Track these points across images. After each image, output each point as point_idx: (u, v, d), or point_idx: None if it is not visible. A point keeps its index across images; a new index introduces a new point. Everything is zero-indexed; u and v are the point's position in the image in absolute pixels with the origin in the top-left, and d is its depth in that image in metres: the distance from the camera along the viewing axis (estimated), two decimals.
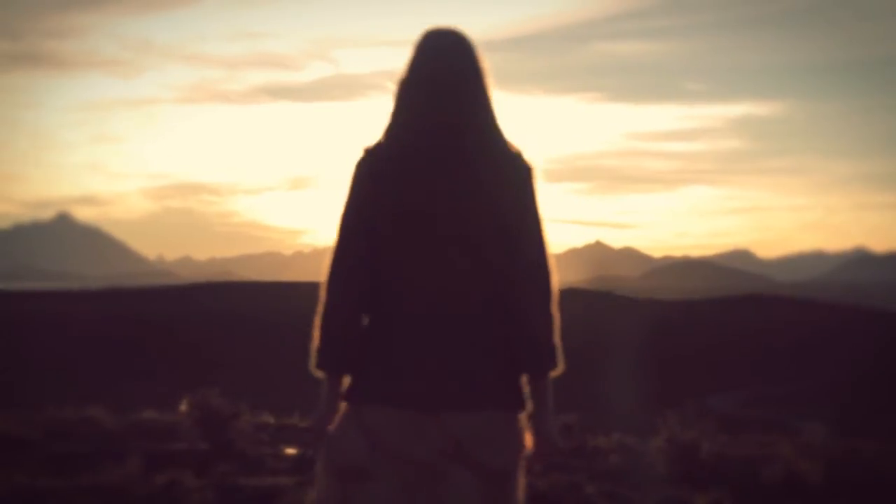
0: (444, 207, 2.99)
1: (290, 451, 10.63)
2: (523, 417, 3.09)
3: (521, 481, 3.09)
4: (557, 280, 3.12)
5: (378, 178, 3.02)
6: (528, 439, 3.10)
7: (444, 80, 3.05)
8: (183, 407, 10.81)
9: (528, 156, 3.08)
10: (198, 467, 9.01)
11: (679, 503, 8.41)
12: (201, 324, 67.70)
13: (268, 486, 8.55)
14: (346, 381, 3.09)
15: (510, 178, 3.03)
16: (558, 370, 3.11)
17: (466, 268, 3.01)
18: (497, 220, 3.00)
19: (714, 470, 9.86)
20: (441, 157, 3.02)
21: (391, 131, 3.08)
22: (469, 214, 2.99)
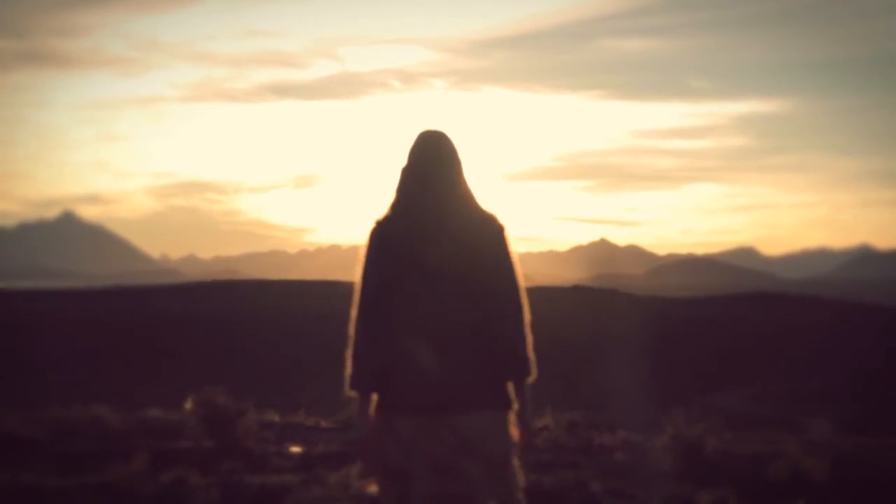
0: (438, 262, 3.99)
1: (296, 449, 10.65)
2: (511, 415, 4.05)
3: (517, 465, 4.05)
4: (529, 310, 4.07)
5: (387, 243, 4.05)
6: (514, 432, 4.05)
7: (432, 166, 4.12)
8: (188, 405, 10.82)
9: (500, 218, 4.11)
10: (203, 465, 9.02)
11: (684, 500, 8.41)
12: (206, 322, 67.77)
13: (273, 484, 8.56)
14: (374, 397, 4.06)
15: (486, 235, 4.06)
16: (532, 377, 4.05)
17: (458, 305, 3.99)
18: (478, 268, 4.01)
19: (719, 467, 9.86)
20: (432, 224, 4.04)
21: (395, 206, 4.12)
22: (457, 265, 3.99)
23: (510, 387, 4.05)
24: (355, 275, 4.09)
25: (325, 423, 13.22)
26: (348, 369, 4.03)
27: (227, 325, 67.58)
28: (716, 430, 10.60)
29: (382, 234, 4.06)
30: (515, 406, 4.04)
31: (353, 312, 4.05)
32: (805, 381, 56.85)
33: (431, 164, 4.13)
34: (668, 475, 9.54)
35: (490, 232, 4.06)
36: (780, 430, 13.78)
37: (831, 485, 9.17)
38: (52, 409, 12.17)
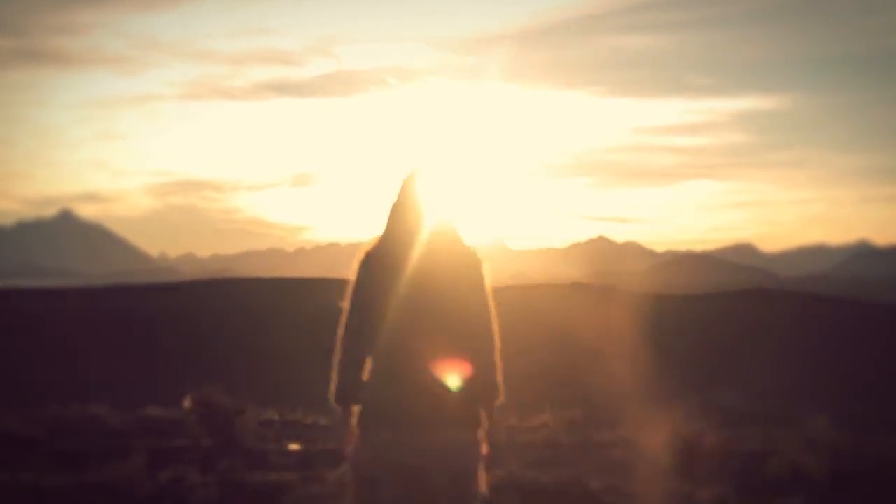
0: (418, 293, 4.34)
1: (294, 447, 10.65)
2: (481, 433, 4.42)
3: (482, 476, 4.43)
4: (499, 338, 4.42)
5: (372, 271, 4.43)
6: (485, 448, 4.44)
7: (418, 203, 4.44)
8: (187, 404, 10.83)
9: (480, 253, 4.47)
10: (202, 464, 9.03)
11: (683, 498, 8.42)
12: (204, 321, 67.70)
13: (272, 481, 8.57)
14: (356, 410, 4.41)
15: (465, 268, 4.43)
16: (500, 401, 4.44)
17: (436, 331, 4.34)
18: (455, 298, 4.36)
19: (718, 464, 9.87)
20: (414, 257, 4.37)
21: (382, 239, 4.47)
22: (436, 297, 4.34)
23: (479, 407, 4.42)
24: (344, 299, 4.46)
25: (323, 420, 13.21)
26: (332, 384, 4.41)
27: (225, 323, 67.51)
28: (714, 427, 10.61)
29: (369, 264, 4.45)
30: (485, 424, 4.43)
31: (339, 332, 4.43)
32: (803, 378, 56.88)
33: (418, 200, 4.47)
34: (666, 472, 9.54)
35: (468, 266, 4.44)
36: (779, 427, 13.77)
37: (830, 482, 9.18)
38: (50, 407, 12.16)
